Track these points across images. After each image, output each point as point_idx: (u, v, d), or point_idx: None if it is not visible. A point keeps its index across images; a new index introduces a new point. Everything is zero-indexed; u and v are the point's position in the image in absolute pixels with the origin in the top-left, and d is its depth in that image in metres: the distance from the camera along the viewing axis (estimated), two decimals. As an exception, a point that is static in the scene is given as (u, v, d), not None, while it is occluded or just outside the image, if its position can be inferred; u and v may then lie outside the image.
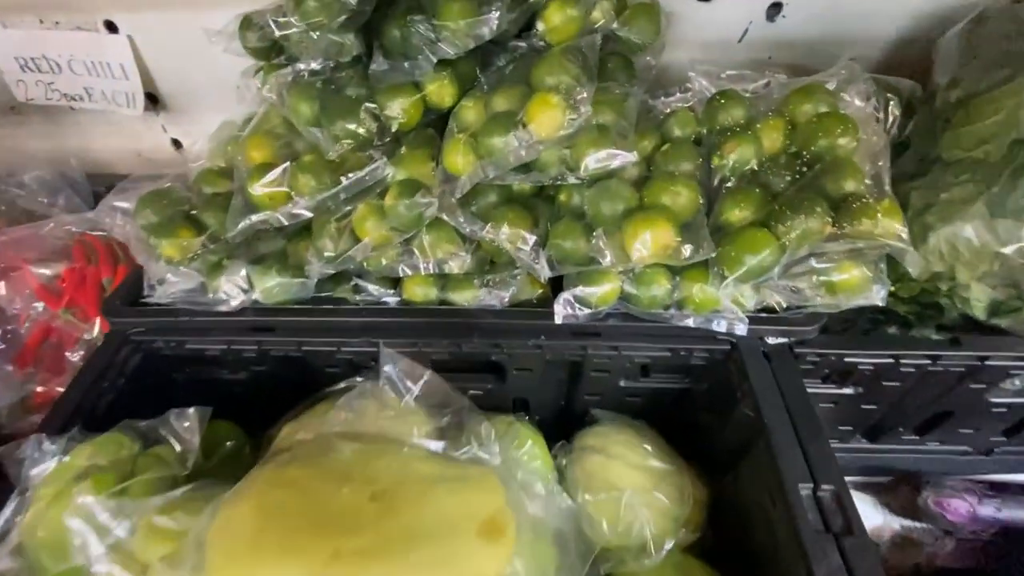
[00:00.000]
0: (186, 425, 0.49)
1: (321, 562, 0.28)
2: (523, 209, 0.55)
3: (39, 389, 0.70)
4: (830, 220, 0.45)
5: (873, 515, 0.64)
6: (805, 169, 0.49)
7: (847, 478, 0.43)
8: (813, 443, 0.45)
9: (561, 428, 0.65)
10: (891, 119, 0.62)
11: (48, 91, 0.95)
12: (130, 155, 1.05)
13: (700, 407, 0.60)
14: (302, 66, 0.57)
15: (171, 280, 0.55)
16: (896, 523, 0.63)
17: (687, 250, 0.46)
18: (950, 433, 0.64)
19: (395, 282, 0.59)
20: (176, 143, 1.02)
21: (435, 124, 0.59)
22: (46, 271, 0.73)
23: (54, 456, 0.45)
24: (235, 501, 0.33)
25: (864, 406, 0.60)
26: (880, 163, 0.47)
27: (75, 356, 0.71)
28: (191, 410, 0.49)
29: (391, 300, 0.59)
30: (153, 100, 0.94)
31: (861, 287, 0.46)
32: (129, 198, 0.62)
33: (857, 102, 0.52)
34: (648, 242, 0.47)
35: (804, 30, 0.76)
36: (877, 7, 0.72)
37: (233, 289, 0.54)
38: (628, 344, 0.53)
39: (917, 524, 0.62)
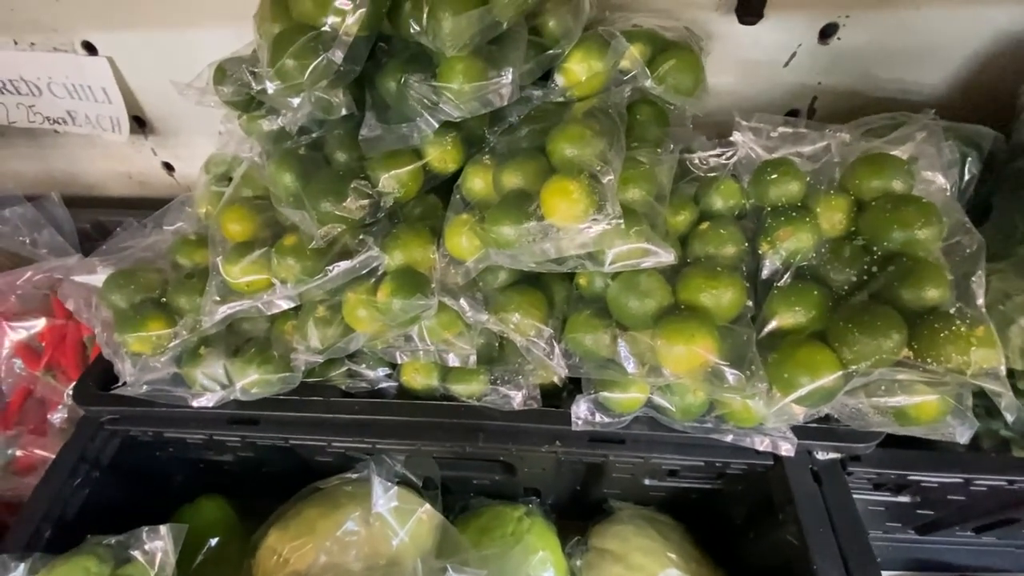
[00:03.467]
0: (159, 545, 0.44)
1: None
2: (535, 290, 0.48)
3: (20, 453, 0.66)
4: (908, 345, 0.37)
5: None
6: (875, 268, 0.41)
7: (891, 573, 0.36)
8: (872, 596, 0.39)
9: (576, 514, 0.59)
10: (967, 179, 0.54)
11: (30, 114, 0.89)
12: (121, 178, 0.99)
13: (733, 508, 0.54)
14: (286, 120, 0.50)
15: (136, 372, 0.49)
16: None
17: (732, 377, 0.38)
18: (1011, 531, 0.57)
19: (392, 363, 0.53)
20: (168, 166, 0.96)
21: (437, 189, 0.51)
22: (25, 327, 0.68)
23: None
24: None
25: (919, 511, 0.53)
26: (974, 272, 0.38)
27: (57, 419, 0.67)
28: (164, 528, 0.44)
29: (388, 384, 0.53)
30: (140, 123, 0.88)
31: (938, 419, 0.38)
32: (106, 262, 0.55)
33: (940, 179, 0.44)
34: (683, 358, 0.40)
35: (861, 54, 0.66)
36: (952, 27, 0.62)
37: (211, 383, 0.49)
38: (656, 454, 0.47)
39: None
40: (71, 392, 0.66)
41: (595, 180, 0.40)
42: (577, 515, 0.60)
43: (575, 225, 0.39)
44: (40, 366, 0.66)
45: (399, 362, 0.51)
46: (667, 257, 0.40)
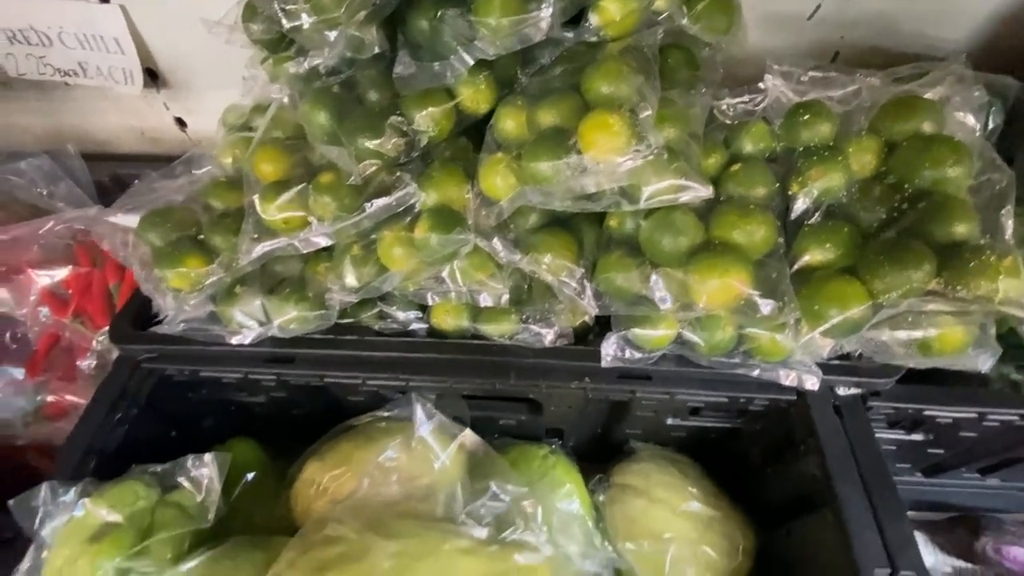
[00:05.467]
0: (205, 472, 0.46)
1: None
2: (566, 232, 0.49)
3: (51, 399, 0.68)
4: (936, 275, 0.38)
5: (924, 554, 0.60)
6: (905, 206, 0.42)
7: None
8: (891, 521, 0.41)
9: (597, 456, 0.61)
10: (990, 128, 0.54)
11: (40, 65, 0.87)
12: (132, 133, 0.98)
13: (752, 447, 0.56)
14: (316, 61, 0.50)
15: (177, 308, 0.50)
16: (948, 564, 0.60)
17: (766, 307, 0.40)
18: (1014, 472, 0.60)
19: (423, 305, 0.54)
20: (180, 122, 0.95)
21: (468, 131, 0.52)
22: (50, 275, 0.69)
23: (68, 509, 0.42)
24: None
25: (930, 450, 0.55)
26: (1004, 206, 0.39)
27: (86, 365, 0.68)
28: (208, 456, 0.46)
29: (418, 326, 0.54)
30: (153, 76, 0.87)
31: (962, 350, 0.40)
32: (132, 207, 0.56)
33: (970, 120, 0.44)
34: (717, 291, 0.41)
35: (884, 8, 0.66)
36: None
37: (247, 320, 0.50)
38: (682, 390, 0.49)
39: (969, 566, 0.59)
40: (101, 337, 0.67)
41: (634, 115, 0.40)
42: (597, 458, 0.61)
43: (615, 158, 0.39)
44: (68, 313, 0.67)
45: (430, 304, 0.52)
46: (705, 192, 0.41)
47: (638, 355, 0.47)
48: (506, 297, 0.48)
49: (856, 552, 0.39)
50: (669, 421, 0.55)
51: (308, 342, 0.52)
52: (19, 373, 0.68)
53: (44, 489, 0.44)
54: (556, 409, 0.55)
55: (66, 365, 0.69)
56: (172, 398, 0.57)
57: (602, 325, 0.51)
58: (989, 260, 0.37)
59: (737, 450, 0.58)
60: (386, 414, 0.53)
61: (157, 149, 1.00)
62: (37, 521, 0.43)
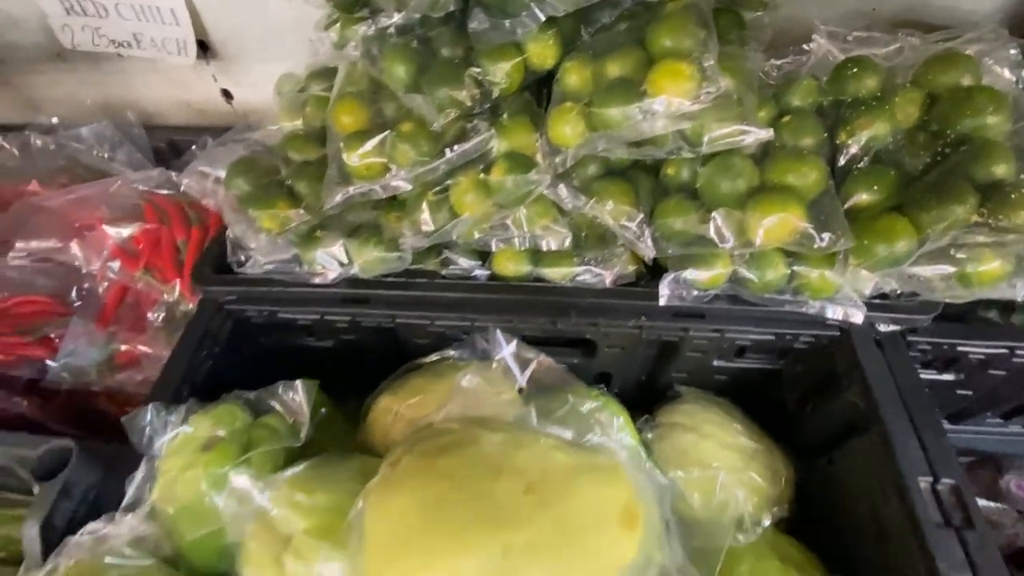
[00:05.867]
0: (295, 397, 0.50)
1: (495, 558, 0.29)
2: (625, 182, 0.53)
3: (123, 348, 0.71)
4: (978, 208, 0.42)
5: (949, 494, 0.64)
6: (947, 151, 0.45)
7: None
8: (931, 435, 0.44)
9: (641, 401, 0.65)
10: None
11: (95, 37, 0.91)
12: (180, 106, 1.01)
13: (791, 390, 0.60)
14: (386, 20, 0.53)
15: (264, 250, 0.54)
16: (972, 503, 0.64)
17: (824, 239, 0.43)
18: (1036, 418, 0.64)
19: (484, 255, 0.58)
20: (227, 94, 0.99)
21: (530, 88, 0.55)
22: (120, 231, 0.73)
23: (176, 426, 0.46)
24: (390, 492, 0.33)
25: (959, 391, 0.59)
26: (1039, 147, 0.43)
27: (155, 316, 0.72)
28: (299, 382, 0.50)
29: (480, 273, 0.58)
30: (203, 48, 0.90)
31: (999, 280, 0.44)
32: (212, 162, 0.60)
33: (1007, 73, 0.48)
34: (775, 226, 0.44)
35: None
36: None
37: (329, 261, 0.53)
38: (731, 327, 0.52)
39: (996, 505, 0.63)
40: (170, 290, 0.71)
41: (699, 63, 0.44)
42: (641, 405, 0.65)
43: (684, 100, 0.43)
44: (139, 267, 0.71)
45: (494, 250, 0.56)
46: (765, 134, 0.44)
47: (693, 294, 0.51)
48: (569, 239, 0.52)
49: (900, 463, 0.43)
50: (715, 363, 0.59)
51: (381, 284, 0.56)
52: (91, 325, 0.72)
53: (150, 410, 0.47)
54: (609, 350, 0.58)
55: (135, 317, 0.73)
56: (248, 341, 0.60)
57: (653, 273, 0.55)
58: (1028, 193, 0.41)
59: (775, 395, 0.62)
60: (453, 354, 0.57)
61: (203, 121, 1.03)
62: (146, 437, 0.47)
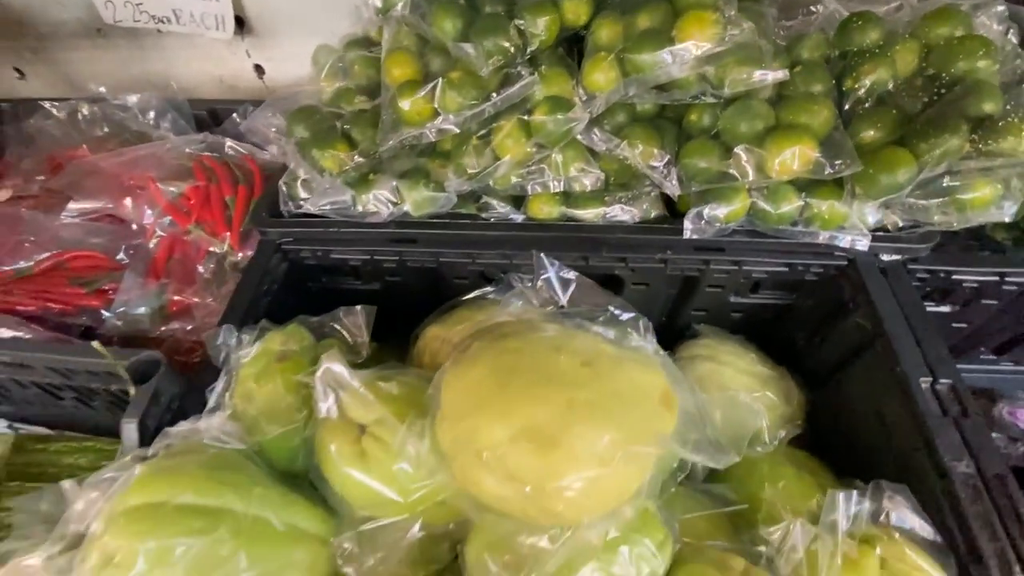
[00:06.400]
0: (355, 320, 0.54)
1: (561, 407, 0.34)
2: (651, 128, 0.58)
3: (174, 298, 0.76)
4: (971, 137, 0.47)
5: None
6: (942, 91, 0.51)
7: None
8: (930, 344, 0.50)
9: (661, 341, 0.70)
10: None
11: (136, 13, 0.95)
12: (213, 81, 1.06)
13: (800, 325, 0.65)
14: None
15: (321, 191, 0.59)
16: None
17: (835, 166, 0.49)
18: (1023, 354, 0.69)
19: (518, 200, 0.63)
20: (259, 69, 1.03)
21: (563, 45, 0.60)
22: (171, 189, 0.77)
23: (250, 343, 0.51)
24: (464, 366, 0.38)
25: (955, 324, 0.64)
26: (1021, 86, 0.48)
27: (204, 268, 0.77)
28: (359, 308, 0.55)
29: (516, 217, 0.63)
30: (239, 23, 0.95)
31: (991, 204, 0.49)
32: (266, 119, 0.64)
33: (995, 26, 0.53)
34: (792, 158, 0.50)
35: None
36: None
37: (381, 202, 0.58)
38: (749, 259, 0.58)
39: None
40: (219, 243, 0.76)
41: (723, 12, 0.49)
42: (663, 345, 0.70)
43: (710, 44, 0.48)
44: (190, 222, 0.75)
45: (529, 194, 0.61)
46: (782, 75, 0.50)
47: (714, 228, 0.56)
48: (602, 178, 0.57)
49: (903, 367, 0.48)
50: (731, 299, 0.64)
51: (427, 225, 0.61)
52: (142, 277, 0.77)
53: (224, 330, 0.52)
54: (634, 288, 0.63)
55: (184, 270, 0.77)
56: (300, 284, 0.65)
57: (674, 215, 0.60)
58: (1013, 122, 0.46)
59: (785, 332, 0.67)
60: (492, 290, 0.62)
61: (234, 96, 1.08)
62: (223, 354, 0.51)
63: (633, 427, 0.36)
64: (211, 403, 0.49)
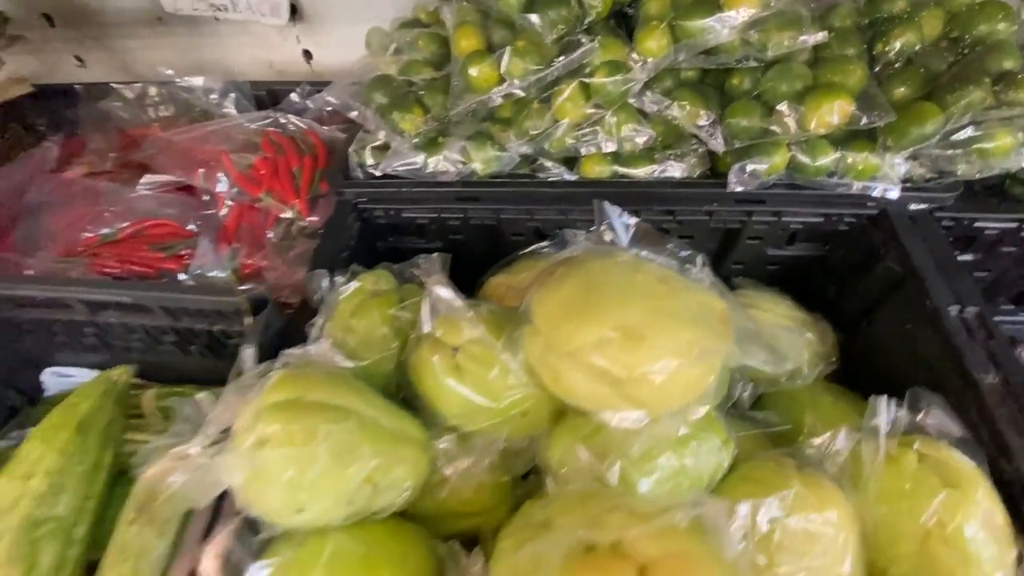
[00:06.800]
0: (432, 266, 0.60)
1: (644, 311, 0.40)
2: (697, 92, 0.63)
3: (247, 261, 0.82)
4: (993, 89, 0.52)
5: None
6: (965, 51, 0.56)
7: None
8: (957, 279, 0.55)
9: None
10: None
11: (195, 1, 1.01)
12: (263, 66, 1.12)
13: (831, 274, 0.70)
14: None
15: (392, 155, 0.65)
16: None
17: (871, 117, 0.54)
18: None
19: (570, 163, 0.69)
20: (307, 55, 1.10)
21: (614, 19, 0.66)
22: (241, 160, 0.83)
23: (345, 283, 0.57)
24: (551, 286, 0.44)
25: (977, 273, 0.70)
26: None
27: (272, 235, 0.83)
28: (436, 255, 0.60)
29: (568, 177, 0.69)
30: (292, 10, 1.01)
31: (1011, 151, 0.54)
32: (338, 92, 0.70)
33: (1013, -8, 0.58)
34: (830, 111, 0.55)
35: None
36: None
37: (449, 162, 0.64)
38: (788, 209, 0.63)
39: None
40: (288, 209, 0.82)
41: (766, -19, 0.55)
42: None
43: (755, 10, 0.54)
44: (260, 191, 0.82)
45: (583, 154, 0.66)
46: (821, 36, 0.55)
47: (756, 180, 0.61)
48: (654, 138, 0.63)
49: (933, 299, 0.54)
50: (769, 252, 0.70)
51: (490, 184, 0.67)
52: (215, 244, 0.83)
53: (318, 274, 0.58)
54: (680, 240, 0.69)
55: (254, 236, 0.83)
56: (372, 240, 0.71)
57: (716, 175, 0.66)
58: (1032, 75, 0.51)
59: (818, 285, 0.73)
60: (548, 244, 0.67)
61: (283, 80, 1.14)
62: (319, 294, 0.57)
63: (704, 332, 0.42)
64: (313, 335, 0.54)
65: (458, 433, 0.51)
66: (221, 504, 0.45)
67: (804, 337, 0.64)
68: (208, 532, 0.43)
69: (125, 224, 0.82)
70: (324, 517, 0.42)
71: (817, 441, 0.49)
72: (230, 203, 0.85)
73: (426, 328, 0.48)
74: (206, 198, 0.87)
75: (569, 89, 0.61)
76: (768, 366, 0.44)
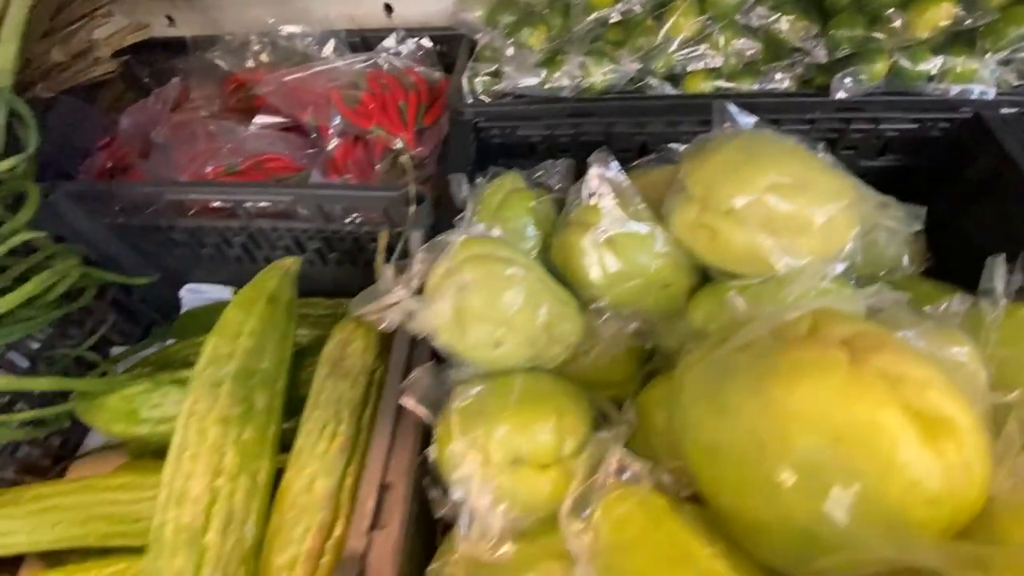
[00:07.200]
0: (561, 171, 0.66)
1: (801, 167, 0.45)
2: (799, 6, 0.68)
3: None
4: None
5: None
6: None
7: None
8: (1054, 168, 0.60)
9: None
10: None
11: (287, -43, 1.07)
12: (346, 20, 1.18)
13: (921, 185, 0.75)
14: None
15: (509, 76, 0.70)
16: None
17: (974, 17, 0.59)
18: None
19: (674, 81, 0.74)
20: (388, 8, 1.15)
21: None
22: (350, 96, 0.89)
23: (484, 183, 0.63)
24: (705, 156, 0.49)
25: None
26: None
27: (379, 166, 0.89)
28: (561, 160, 0.66)
29: (673, 91, 0.74)
30: (377, -36, 1.06)
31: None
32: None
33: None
34: (935, 14, 0.60)
35: None
36: None
37: (569, 77, 0.70)
38: (885, 115, 0.68)
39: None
40: (396, 140, 0.88)
41: None
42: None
43: (870, -82, 0.58)
44: (370, 125, 0.88)
45: (689, 70, 0.71)
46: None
47: (859, 88, 0.66)
48: (759, 52, 0.68)
49: (1029, 176, 0.58)
50: (862, 163, 0.74)
51: (602, 100, 0.72)
52: (326, 176, 0.89)
53: (456, 176, 0.64)
54: (776, 154, 0.74)
55: (361, 168, 0.90)
56: (485, 164, 0.77)
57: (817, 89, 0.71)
58: None
59: (907, 198, 0.77)
60: (652, 157, 0.73)
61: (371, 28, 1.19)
62: (461, 194, 0.63)
63: (850, 184, 0.47)
64: (464, 224, 0.60)
65: (598, 306, 0.57)
66: (413, 352, 0.51)
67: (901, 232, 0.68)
68: (405, 375, 0.50)
69: (246, 156, 0.89)
70: (514, 354, 0.48)
71: (929, 308, 0.54)
72: (336, 140, 0.91)
73: (584, 202, 0.54)
74: (313, 136, 0.93)
75: (684, 5, 0.66)
76: (903, 225, 0.49)
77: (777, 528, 0.35)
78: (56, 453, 0.73)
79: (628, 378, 0.60)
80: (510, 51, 0.69)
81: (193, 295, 0.84)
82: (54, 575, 0.52)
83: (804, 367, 0.33)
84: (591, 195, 0.53)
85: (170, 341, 0.81)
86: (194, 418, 0.48)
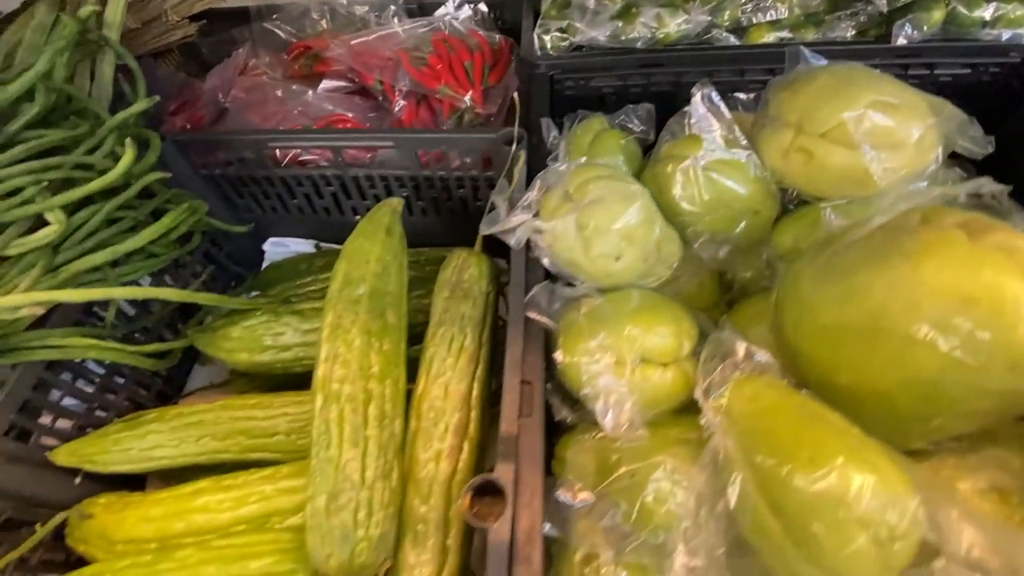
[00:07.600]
0: (642, 115, 0.71)
1: (895, 88, 0.50)
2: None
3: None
4: None
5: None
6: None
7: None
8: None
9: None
10: None
11: (340, -73, 1.10)
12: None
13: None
14: None
15: (592, 23, 0.74)
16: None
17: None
18: None
19: (738, 34, 0.78)
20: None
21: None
22: (416, 57, 0.93)
23: (570, 125, 0.67)
24: (798, 85, 0.54)
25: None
26: None
27: (446, 124, 0.93)
28: (643, 104, 0.71)
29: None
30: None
31: None
32: None
33: None
34: (994, -39, 0.64)
35: None
36: None
37: (646, 28, 0.74)
38: (940, 61, 0.72)
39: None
40: (463, 99, 0.92)
41: None
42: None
43: None
44: (438, 84, 0.91)
45: (753, 23, 0.76)
46: None
47: (918, 34, 0.71)
48: (823, 1, 0.72)
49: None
50: (912, 109, 0.79)
51: (673, 51, 0.76)
52: (393, 135, 0.93)
53: (545, 120, 0.68)
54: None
55: (427, 127, 0.93)
56: (560, 115, 0.81)
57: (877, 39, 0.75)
58: None
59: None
60: (720, 106, 0.77)
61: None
62: (551, 135, 0.68)
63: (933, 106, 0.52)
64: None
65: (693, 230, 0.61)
66: (529, 273, 0.56)
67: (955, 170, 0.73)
68: (525, 292, 0.54)
69: (318, 117, 0.92)
70: (631, 268, 0.52)
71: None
72: (402, 102, 0.95)
73: (684, 132, 0.58)
74: (380, 99, 0.96)
75: (753, -43, 0.70)
76: (978, 147, 0.53)
77: (900, 392, 0.40)
78: (160, 390, 0.77)
79: (713, 304, 0.65)
80: (591, 3, 0.73)
81: (277, 248, 0.88)
82: (205, 483, 0.56)
83: (928, 245, 0.38)
84: (694, 122, 0.57)
85: (254, 293, 0.85)
86: (340, 330, 0.52)
